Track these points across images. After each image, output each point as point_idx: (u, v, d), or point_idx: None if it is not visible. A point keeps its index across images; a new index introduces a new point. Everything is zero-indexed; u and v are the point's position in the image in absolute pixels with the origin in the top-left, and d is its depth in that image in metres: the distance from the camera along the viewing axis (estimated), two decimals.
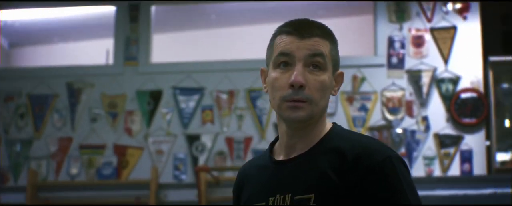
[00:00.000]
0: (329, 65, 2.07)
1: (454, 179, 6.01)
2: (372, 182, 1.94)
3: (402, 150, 6.08)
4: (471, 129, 6.14)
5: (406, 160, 5.91)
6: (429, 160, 6.10)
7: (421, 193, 5.52)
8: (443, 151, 6.13)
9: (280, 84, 2.01)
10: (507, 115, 6.18)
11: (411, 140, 6.11)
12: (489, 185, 5.89)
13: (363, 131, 6.13)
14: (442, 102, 6.17)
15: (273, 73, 2.03)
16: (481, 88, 6.15)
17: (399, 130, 6.12)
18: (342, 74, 2.13)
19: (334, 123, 2.15)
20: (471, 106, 6.13)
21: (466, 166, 6.07)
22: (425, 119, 6.15)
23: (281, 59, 2.02)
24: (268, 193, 2.06)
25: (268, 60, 2.08)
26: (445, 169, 6.08)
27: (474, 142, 6.12)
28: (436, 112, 6.17)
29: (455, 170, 6.08)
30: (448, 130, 6.15)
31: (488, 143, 6.11)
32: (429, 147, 6.12)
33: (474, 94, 6.14)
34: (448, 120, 6.16)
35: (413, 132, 6.12)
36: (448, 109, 6.16)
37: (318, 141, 2.06)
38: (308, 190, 1.98)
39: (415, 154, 6.10)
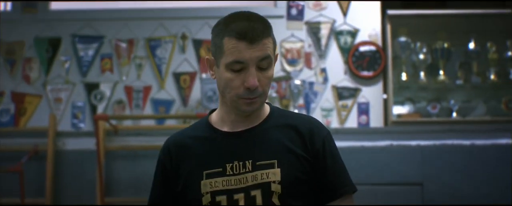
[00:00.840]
0: (273, 57, 2.38)
1: (351, 130, 6.09)
2: (325, 150, 2.39)
3: (301, 101, 6.13)
4: (369, 81, 6.22)
5: (304, 111, 6.00)
6: (326, 111, 6.17)
7: None
8: (340, 103, 6.20)
9: (235, 85, 2.31)
10: (404, 68, 6.27)
11: (309, 92, 6.16)
12: (385, 137, 5.98)
13: None
14: (341, 54, 6.23)
15: (227, 74, 2.30)
16: (379, 41, 6.23)
17: (297, 81, 6.16)
18: (277, 55, 2.45)
19: (267, 102, 2.52)
20: (369, 58, 6.21)
21: (363, 118, 6.16)
22: (323, 70, 6.20)
23: (235, 66, 2.29)
24: (224, 160, 2.34)
25: (217, 56, 2.33)
26: (342, 120, 6.16)
27: (371, 94, 6.21)
28: (335, 64, 6.23)
29: (352, 122, 6.16)
30: (346, 82, 6.22)
31: (385, 96, 6.20)
32: (327, 98, 6.19)
33: (372, 47, 6.21)
34: (346, 72, 6.23)
35: (311, 84, 6.18)
36: (346, 61, 6.22)
37: (266, 117, 2.44)
38: (270, 157, 2.34)
39: (313, 105, 6.16)
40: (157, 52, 6.27)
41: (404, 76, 6.27)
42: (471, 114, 6.25)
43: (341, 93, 6.21)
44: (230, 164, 2.35)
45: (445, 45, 6.27)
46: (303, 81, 6.17)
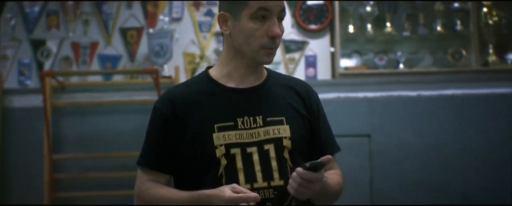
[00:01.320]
0: None
1: None
2: (319, 112, 2.60)
3: None
4: (316, 34, 6.24)
5: None
6: (274, 64, 6.17)
7: None
8: (288, 56, 6.22)
9: (259, 34, 2.40)
10: (351, 20, 6.29)
11: None
12: (333, 89, 6.02)
13: (209, 37, 6.15)
14: (288, 8, 6.23)
15: (251, 24, 2.40)
16: None
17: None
18: None
19: None
20: (316, 11, 6.22)
21: (311, 70, 6.19)
22: None
23: (260, 13, 2.39)
24: (234, 115, 2.43)
25: (237, 10, 2.42)
26: (290, 73, 6.17)
27: (319, 47, 6.23)
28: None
29: (300, 74, 6.18)
30: (293, 35, 6.24)
31: (332, 48, 6.22)
32: None
33: (319, 1, 6.22)
34: (293, 26, 6.24)
35: None
36: (294, 15, 6.23)
37: (267, 76, 2.55)
38: (279, 113, 2.46)
39: None
40: (103, 8, 6.22)
41: (351, 29, 6.30)
42: (418, 65, 6.31)
43: (288, 46, 6.22)
44: (241, 119, 2.44)
45: None
46: None
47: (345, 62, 6.30)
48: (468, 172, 5.79)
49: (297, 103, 2.55)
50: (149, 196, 2.47)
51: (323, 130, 2.61)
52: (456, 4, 6.28)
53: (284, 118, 2.48)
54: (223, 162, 2.41)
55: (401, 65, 6.27)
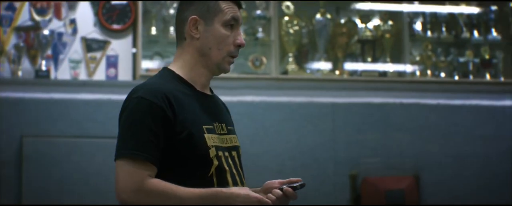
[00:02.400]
0: None
1: (99, 83, 6.04)
2: None
3: (49, 52, 5.99)
4: (118, 34, 6.19)
5: (52, 63, 5.87)
6: (75, 63, 6.07)
7: (66, 96, 5.50)
8: (90, 55, 6.13)
9: (229, 42, 2.55)
10: (154, 22, 6.29)
11: (58, 42, 6.03)
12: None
13: (9, 31, 5.96)
14: (91, 6, 6.15)
15: (223, 31, 2.55)
16: None
17: (46, 32, 6.00)
18: None
19: None
20: (119, 11, 6.17)
21: (112, 71, 6.13)
22: (73, 21, 6.09)
23: (231, 22, 2.55)
24: (212, 119, 2.53)
25: (210, 15, 2.55)
26: (91, 73, 6.10)
27: (121, 47, 6.18)
28: (84, 15, 6.14)
29: (100, 74, 6.11)
30: (96, 34, 6.16)
31: (134, 50, 6.19)
32: (75, 50, 6.09)
33: (123, 1, 6.18)
34: (95, 24, 6.16)
35: (60, 34, 6.05)
36: (96, 13, 6.15)
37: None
38: (231, 123, 2.63)
39: (61, 56, 6.04)
40: None
41: (154, 31, 6.30)
42: None
43: (90, 45, 6.14)
44: (215, 123, 2.55)
45: None
46: (52, 32, 6.02)
47: (147, 64, 6.29)
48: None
49: (229, 116, 2.73)
50: (157, 191, 2.37)
51: None
52: (259, 12, 6.40)
53: (233, 128, 2.64)
54: (215, 162, 2.48)
55: None
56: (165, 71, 2.61)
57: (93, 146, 5.83)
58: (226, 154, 2.53)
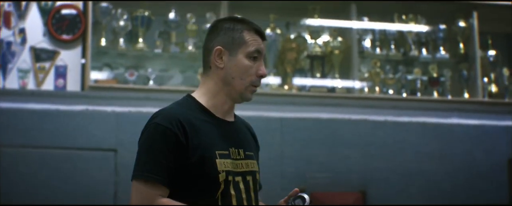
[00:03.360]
0: None
1: (48, 93, 6.01)
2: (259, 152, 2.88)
3: None
4: (68, 45, 6.17)
5: (0, 72, 5.82)
6: (24, 72, 6.04)
7: (14, 105, 5.46)
8: (38, 64, 6.09)
9: (252, 72, 2.69)
10: (103, 33, 6.27)
11: (7, 52, 5.99)
12: (82, 101, 5.96)
13: None
14: (41, 16, 6.12)
15: (246, 62, 2.69)
16: (81, 5, 6.18)
17: None
18: None
19: None
20: (69, 21, 6.14)
21: (61, 81, 6.10)
22: (22, 31, 6.06)
23: (255, 55, 2.69)
24: (227, 144, 2.65)
25: (234, 47, 2.70)
26: (39, 83, 6.06)
27: (70, 58, 6.16)
28: (34, 25, 6.11)
29: (49, 84, 6.08)
30: (45, 44, 6.13)
31: (83, 60, 6.16)
32: (24, 59, 6.06)
33: (73, 11, 6.15)
34: (45, 34, 6.13)
35: (9, 43, 6.00)
36: (46, 23, 6.12)
37: (235, 114, 2.80)
38: (250, 149, 2.76)
39: (10, 66, 6.00)
40: None
41: (103, 42, 6.28)
42: (168, 82, 6.39)
43: (39, 55, 6.10)
44: (232, 149, 2.68)
45: (146, 13, 6.35)
46: (1, 41, 5.97)
47: (96, 75, 6.26)
48: None
49: (254, 142, 2.86)
50: None
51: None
52: (209, 25, 6.41)
53: (253, 153, 2.78)
54: (222, 186, 2.61)
55: (151, 82, 6.31)
56: (187, 99, 2.77)
57: (40, 156, 5.78)
58: (238, 178, 2.67)
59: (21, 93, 5.94)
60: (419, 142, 6.51)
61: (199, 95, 2.76)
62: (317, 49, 6.69)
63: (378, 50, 6.89)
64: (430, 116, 6.59)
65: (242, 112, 6.11)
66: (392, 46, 6.92)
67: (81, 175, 5.78)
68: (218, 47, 2.72)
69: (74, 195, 5.76)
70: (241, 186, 2.69)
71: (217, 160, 2.62)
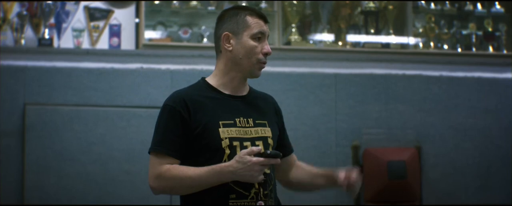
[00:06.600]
0: None
1: (102, 52, 6.05)
2: (282, 121, 3.26)
3: (52, 21, 6.00)
4: (121, 4, 6.20)
5: (55, 32, 5.88)
6: (78, 32, 6.09)
7: (69, 64, 5.53)
8: (92, 24, 6.14)
9: (257, 51, 3.02)
10: None
11: (61, 11, 6.03)
12: (136, 60, 6.00)
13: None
14: None
15: (251, 43, 3.03)
16: None
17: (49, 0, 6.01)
18: None
19: None
20: None
21: (115, 40, 6.14)
22: None
23: (258, 35, 3.03)
24: (233, 115, 3.02)
25: (240, 31, 3.03)
26: (94, 42, 6.11)
27: (124, 17, 6.19)
28: None
29: (103, 43, 6.13)
30: (99, 3, 6.16)
31: (137, 19, 6.19)
32: (78, 19, 6.10)
33: None
34: None
35: (63, 3, 6.04)
36: None
37: (250, 88, 3.14)
38: (263, 118, 3.10)
39: (64, 25, 6.04)
40: None
41: (156, 0, 6.29)
42: None
43: (93, 14, 6.14)
44: (238, 119, 3.04)
45: None
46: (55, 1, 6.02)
47: (150, 34, 6.29)
48: None
49: (272, 112, 3.19)
50: (172, 175, 2.94)
51: (285, 135, 3.26)
52: None
53: (266, 122, 3.11)
54: (227, 151, 2.98)
55: (205, 40, 6.32)
56: (199, 81, 3.13)
57: (95, 114, 5.85)
58: (246, 143, 3.01)
59: (76, 53, 5.99)
60: (474, 97, 6.45)
61: (211, 77, 3.11)
62: (371, 4, 6.63)
63: (432, 5, 6.81)
64: (485, 71, 6.52)
65: (297, 68, 6.15)
66: (447, 1, 6.83)
67: (135, 133, 5.84)
68: (226, 33, 3.07)
69: (128, 153, 5.83)
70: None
71: (220, 129, 2.99)
